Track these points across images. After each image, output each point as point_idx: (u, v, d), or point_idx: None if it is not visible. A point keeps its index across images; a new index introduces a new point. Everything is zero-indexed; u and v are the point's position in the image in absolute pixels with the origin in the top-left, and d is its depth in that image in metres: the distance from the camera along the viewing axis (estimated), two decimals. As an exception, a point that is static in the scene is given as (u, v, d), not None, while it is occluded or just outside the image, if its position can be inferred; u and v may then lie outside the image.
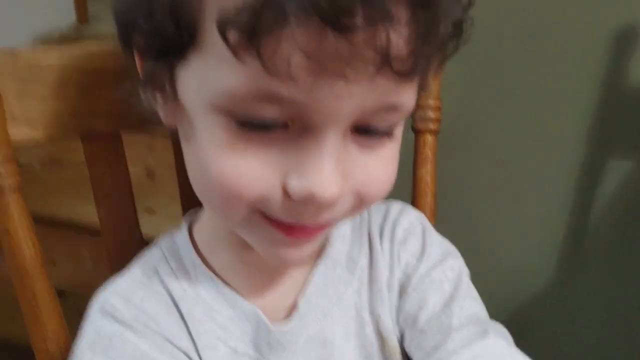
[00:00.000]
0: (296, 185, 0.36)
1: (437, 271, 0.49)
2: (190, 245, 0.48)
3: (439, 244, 0.52)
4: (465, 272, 0.51)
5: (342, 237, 0.51)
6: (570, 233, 0.98)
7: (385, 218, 0.52)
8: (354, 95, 0.33)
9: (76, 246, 1.47)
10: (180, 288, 0.46)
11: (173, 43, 0.35)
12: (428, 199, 0.66)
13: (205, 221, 0.49)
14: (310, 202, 0.36)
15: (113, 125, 0.53)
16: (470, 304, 0.49)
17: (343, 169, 0.36)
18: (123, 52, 0.41)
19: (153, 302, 0.46)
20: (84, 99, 0.52)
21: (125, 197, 0.55)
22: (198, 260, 0.47)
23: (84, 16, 1.91)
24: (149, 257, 0.49)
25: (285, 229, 0.39)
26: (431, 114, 0.64)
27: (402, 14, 0.31)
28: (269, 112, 0.34)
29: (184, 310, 0.46)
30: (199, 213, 0.51)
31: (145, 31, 0.36)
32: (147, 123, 0.54)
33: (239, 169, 0.36)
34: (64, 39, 1.83)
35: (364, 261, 0.51)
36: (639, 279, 0.93)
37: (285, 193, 0.36)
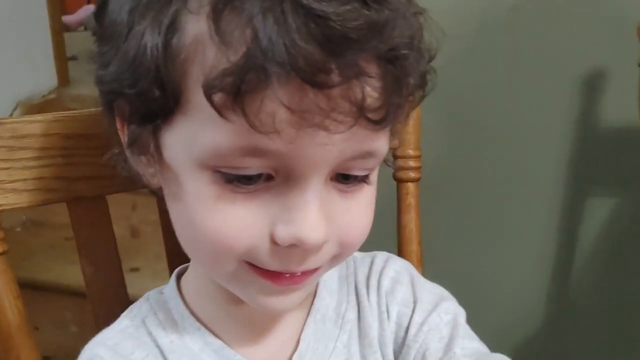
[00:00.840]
0: (283, 232, 0.37)
1: (433, 317, 0.49)
2: (179, 297, 0.48)
3: (430, 290, 0.52)
4: (460, 312, 0.51)
5: (329, 290, 0.51)
6: (556, 273, 0.99)
7: (370, 269, 0.53)
8: (334, 144, 0.35)
9: (59, 310, 1.44)
10: (167, 339, 0.46)
11: (158, 108, 0.37)
12: (414, 246, 0.66)
13: (193, 274, 0.49)
14: (297, 247, 0.37)
15: (97, 189, 0.54)
16: (470, 342, 0.49)
17: (326, 214, 0.38)
18: (105, 118, 0.43)
19: (142, 352, 0.45)
20: (68, 164, 0.52)
21: (111, 258, 0.55)
22: (186, 312, 0.47)
23: (65, 79, 1.93)
24: (137, 310, 0.49)
25: (273, 277, 0.40)
26: (412, 163, 0.65)
27: (373, 69, 0.34)
28: (254, 164, 0.36)
29: None
30: (188, 266, 0.51)
31: (130, 98, 0.38)
32: (131, 185, 0.55)
33: (227, 222, 0.37)
34: (47, 101, 1.84)
35: (352, 315, 0.51)
36: (625, 311, 0.94)
37: (273, 241, 0.38)
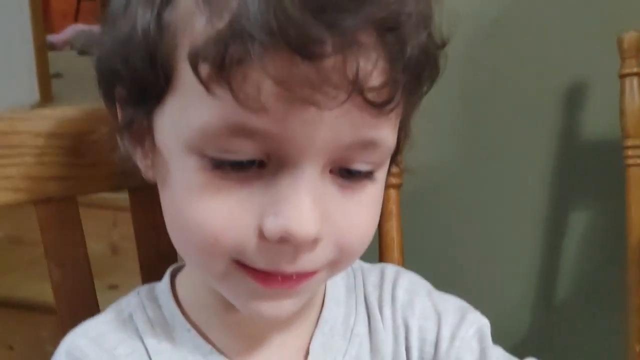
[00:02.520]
0: (271, 224, 0.34)
1: (462, 330, 0.47)
2: (171, 295, 0.45)
3: (450, 302, 0.50)
4: (485, 323, 0.49)
5: (337, 301, 0.48)
6: (541, 283, 0.98)
7: (382, 280, 0.50)
8: (325, 123, 0.33)
9: (35, 328, 1.40)
10: (155, 339, 0.44)
11: (150, 87, 0.36)
12: (395, 253, 0.65)
13: (188, 275, 0.47)
14: (286, 241, 0.34)
15: (68, 190, 0.52)
16: (499, 351, 0.48)
17: (321, 209, 0.35)
18: (106, 105, 0.42)
19: (126, 349, 0.43)
20: (38, 163, 0.50)
21: (80, 262, 0.53)
22: (177, 311, 0.45)
23: (47, 96, 1.92)
24: (126, 303, 0.46)
25: (263, 279, 0.37)
26: (393, 169, 0.64)
27: (369, 39, 0.32)
28: (244, 147, 0.34)
29: None
30: (184, 265, 0.48)
31: (124, 78, 0.37)
32: (103, 186, 0.53)
33: (213, 212, 0.35)
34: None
35: (362, 329, 0.48)
36: (604, 322, 0.93)
37: (262, 235, 0.35)
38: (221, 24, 0.31)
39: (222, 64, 0.31)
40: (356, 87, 0.32)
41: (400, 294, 0.49)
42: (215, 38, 0.31)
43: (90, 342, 0.42)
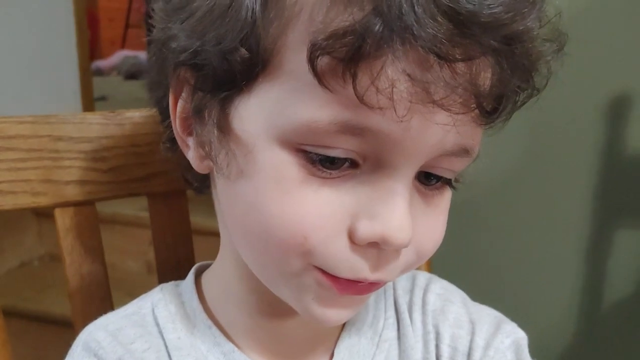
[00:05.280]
0: (366, 228, 0.33)
1: (497, 340, 0.45)
2: (195, 292, 0.44)
3: (485, 311, 0.48)
4: (522, 336, 0.46)
5: (365, 303, 0.46)
6: (583, 303, 0.93)
7: (413, 285, 0.48)
8: (446, 130, 0.31)
9: (71, 344, 1.40)
10: (175, 335, 0.42)
11: (240, 72, 0.33)
12: (422, 266, 0.62)
13: (218, 274, 0.45)
14: (376, 246, 0.33)
15: (87, 194, 0.51)
16: None
17: (411, 215, 0.34)
18: (153, 87, 0.40)
19: (143, 344, 0.42)
20: (58, 167, 0.50)
21: (97, 268, 0.52)
22: (199, 307, 0.43)
23: (89, 106, 1.96)
24: (148, 298, 0.45)
25: (340, 283, 0.35)
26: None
27: (496, 51, 0.31)
28: (345, 145, 0.32)
29: None
30: (209, 264, 0.47)
31: (208, 60, 0.34)
32: (123, 191, 0.53)
33: (304, 209, 0.33)
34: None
35: (390, 333, 0.46)
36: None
37: (350, 238, 0.34)
38: (360, 14, 0.29)
39: (353, 57, 0.29)
40: (481, 95, 0.31)
41: (432, 299, 0.47)
42: (349, 28, 0.29)
43: (108, 335, 0.42)
